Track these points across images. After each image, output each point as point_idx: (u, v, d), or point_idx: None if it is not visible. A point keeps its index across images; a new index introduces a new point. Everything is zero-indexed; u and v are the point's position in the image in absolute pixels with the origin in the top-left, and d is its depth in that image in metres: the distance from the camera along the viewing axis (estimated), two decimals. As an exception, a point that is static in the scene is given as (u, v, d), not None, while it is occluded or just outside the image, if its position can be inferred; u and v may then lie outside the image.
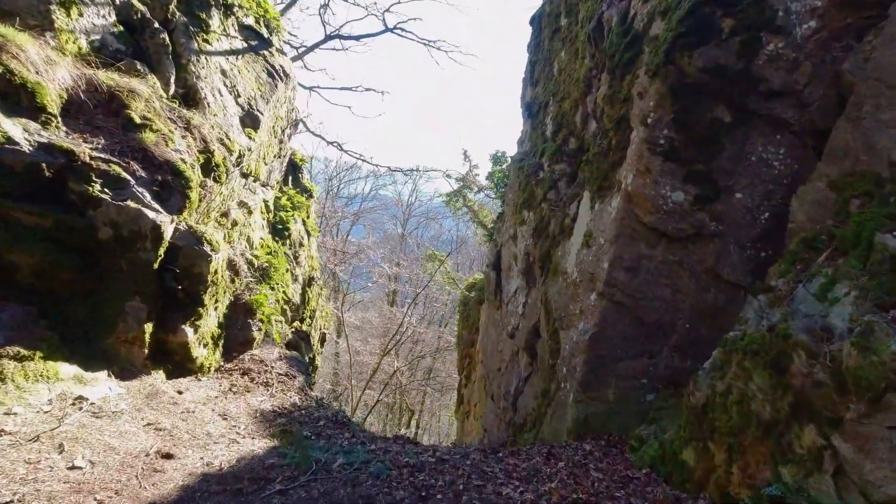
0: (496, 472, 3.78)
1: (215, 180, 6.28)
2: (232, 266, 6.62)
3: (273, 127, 8.62)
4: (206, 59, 7.10)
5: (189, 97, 6.62)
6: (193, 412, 4.71)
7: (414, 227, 30.06)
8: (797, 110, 4.05)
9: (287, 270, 8.67)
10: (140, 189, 4.98)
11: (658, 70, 4.33)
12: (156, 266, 4.99)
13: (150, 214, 4.89)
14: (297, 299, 9.16)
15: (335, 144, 16.75)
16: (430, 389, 22.38)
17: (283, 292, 8.37)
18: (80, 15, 5.59)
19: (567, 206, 6.05)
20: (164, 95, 6.18)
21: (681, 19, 4.26)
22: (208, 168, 6.13)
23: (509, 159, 10.98)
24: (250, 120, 7.63)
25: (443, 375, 22.18)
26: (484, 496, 3.36)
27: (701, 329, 4.48)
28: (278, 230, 9.28)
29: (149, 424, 4.16)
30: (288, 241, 9.34)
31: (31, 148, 4.49)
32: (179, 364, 5.50)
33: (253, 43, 8.71)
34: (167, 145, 5.55)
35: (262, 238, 8.47)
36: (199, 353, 5.71)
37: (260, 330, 7.12)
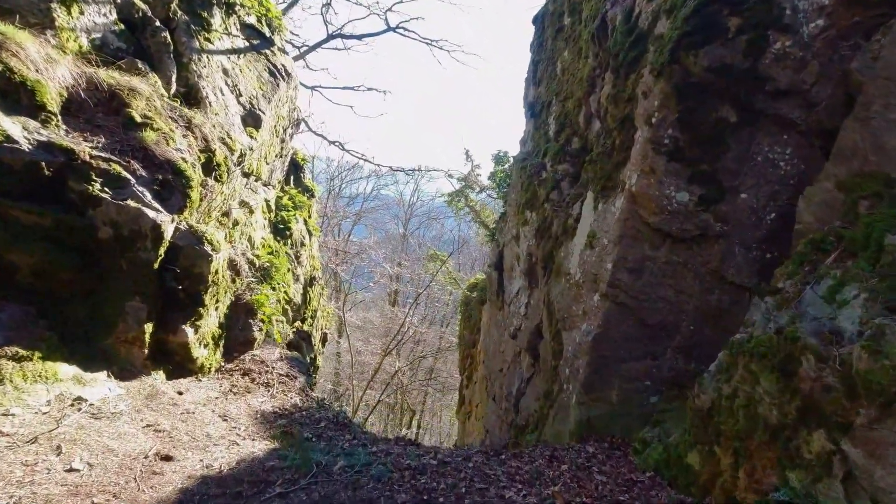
0: (499, 475, 3.74)
1: (216, 179, 6.24)
2: (233, 266, 6.59)
3: (275, 126, 8.59)
4: (207, 57, 7.07)
5: (190, 96, 6.59)
6: (193, 413, 4.67)
7: (416, 226, 30.07)
8: (804, 110, 4.00)
9: (288, 270, 8.64)
10: (140, 188, 4.95)
11: (663, 69, 4.29)
12: (156, 266, 4.95)
13: (151, 214, 4.85)
14: (298, 299, 9.13)
15: (337, 144, 16.67)
16: (431, 390, 22.38)
17: (285, 292, 8.34)
18: (81, 13, 5.56)
19: (570, 207, 6.01)
20: (166, 94, 6.15)
21: (686, 18, 4.21)
22: (209, 167, 6.10)
23: (512, 159, 10.93)
24: (252, 119, 7.60)
25: (444, 376, 22.17)
26: (486, 500, 3.32)
27: (705, 331, 4.44)
28: (280, 230, 9.25)
29: (148, 426, 4.13)
30: (289, 241, 9.31)
31: (30, 146, 4.46)
32: (180, 364, 5.46)
33: (255, 42, 8.68)
34: (168, 144, 5.51)
35: (263, 238, 8.44)
36: (200, 353, 5.68)
37: (261, 330, 7.08)
